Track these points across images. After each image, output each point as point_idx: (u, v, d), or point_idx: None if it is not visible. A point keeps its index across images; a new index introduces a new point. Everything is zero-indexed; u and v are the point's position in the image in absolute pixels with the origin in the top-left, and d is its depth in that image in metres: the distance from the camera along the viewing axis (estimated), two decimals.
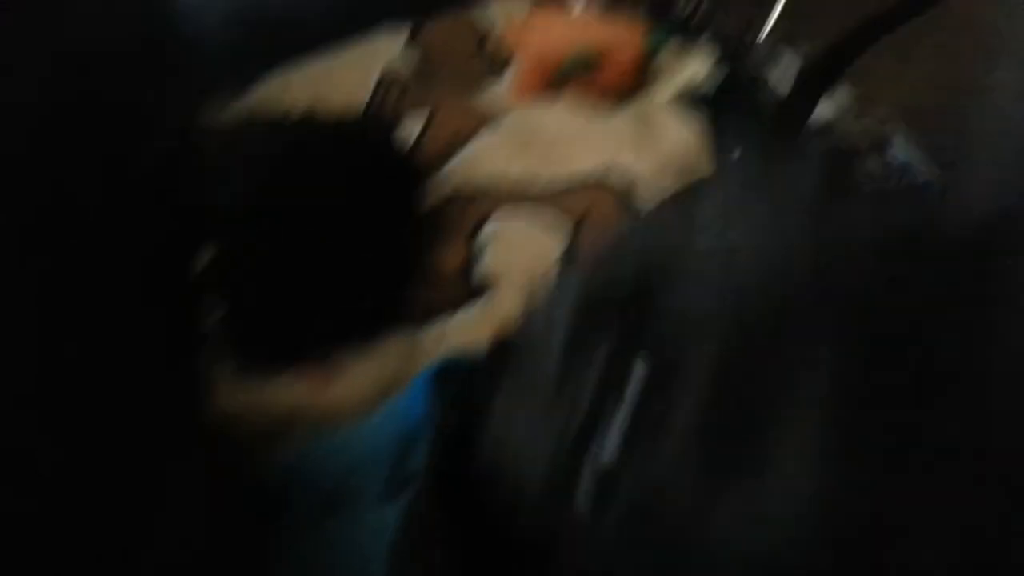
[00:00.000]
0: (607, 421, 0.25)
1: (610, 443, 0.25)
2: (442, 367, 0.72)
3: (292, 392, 0.76)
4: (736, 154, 0.92)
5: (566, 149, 0.97)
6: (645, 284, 0.25)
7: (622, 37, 1.01)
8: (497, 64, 1.14)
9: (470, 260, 0.86)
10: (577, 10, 1.16)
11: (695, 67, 1.05)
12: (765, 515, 0.22)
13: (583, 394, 0.26)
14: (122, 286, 0.56)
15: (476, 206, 0.91)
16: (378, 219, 0.82)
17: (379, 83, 1.11)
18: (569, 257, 0.85)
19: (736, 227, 0.26)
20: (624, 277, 0.27)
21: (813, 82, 0.92)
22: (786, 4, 1.16)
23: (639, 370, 0.25)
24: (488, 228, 0.88)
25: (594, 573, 0.26)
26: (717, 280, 0.25)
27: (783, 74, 1.05)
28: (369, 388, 0.76)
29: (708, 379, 0.24)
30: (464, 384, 0.32)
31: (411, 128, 1.04)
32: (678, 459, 0.24)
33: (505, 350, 0.31)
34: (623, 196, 0.90)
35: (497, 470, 0.29)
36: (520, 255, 0.85)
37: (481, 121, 1.02)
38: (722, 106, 1.01)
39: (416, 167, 0.90)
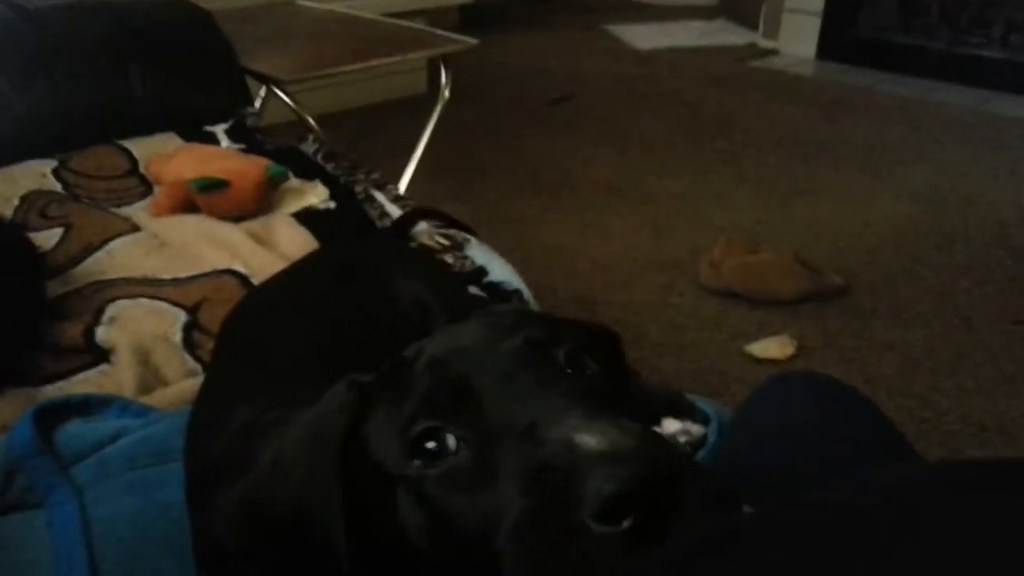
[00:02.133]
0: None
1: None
2: (40, 407, 0.82)
3: None
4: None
5: (195, 250, 1.14)
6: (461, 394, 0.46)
7: (247, 167, 1.23)
8: (145, 186, 1.31)
9: (89, 335, 0.96)
10: (220, 147, 1.38)
11: (313, 196, 1.29)
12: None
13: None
14: None
15: (104, 293, 1.03)
16: None
17: (23, 199, 1.22)
18: (190, 328, 1.00)
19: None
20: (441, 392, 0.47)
21: (408, 220, 1.22)
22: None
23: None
24: (111, 310, 1.00)
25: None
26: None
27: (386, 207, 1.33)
28: None
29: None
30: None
31: (50, 235, 1.15)
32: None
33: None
34: (242, 284, 1.08)
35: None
36: (135, 330, 0.97)
37: (118, 230, 1.17)
38: (336, 222, 1.24)
39: (40, 261, 1.01)
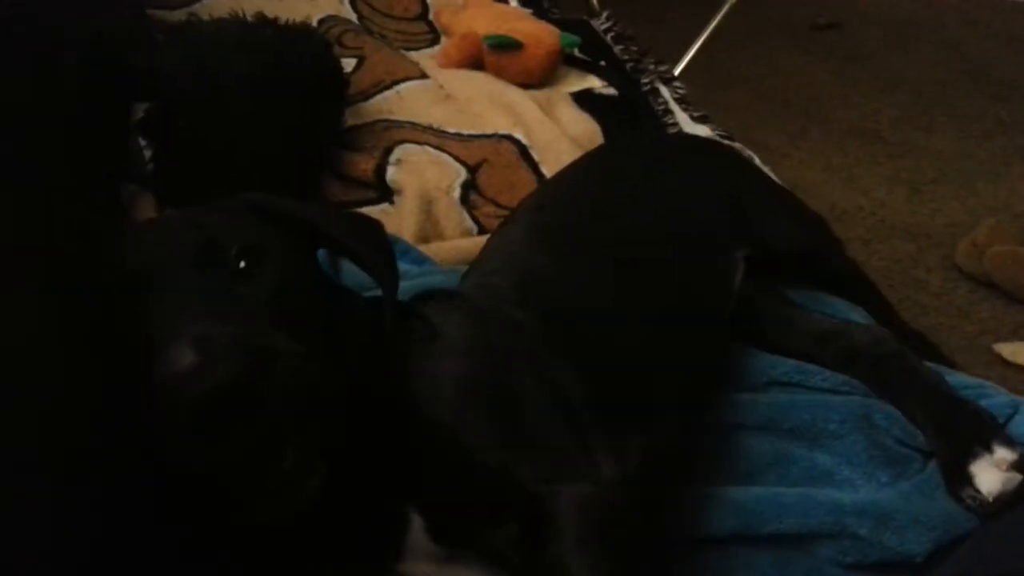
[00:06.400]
0: None
1: None
2: None
3: None
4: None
5: (478, 109, 1.12)
6: None
7: (541, 33, 1.18)
8: (433, 34, 1.29)
9: (380, 171, 0.97)
10: (512, 6, 1.34)
11: (594, 78, 1.23)
12: None
13: None
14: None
15: (393, 132, 1.03)
16: (302, 113, 0.92)
17: (322, 21, 1.23)
18: (468, 187, 0.99)
19: None
20: None
21: None
22: None
23: None
24: (398, 151, 1.00)
25: None
26: None
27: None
28: None
29: None
30: None
31: (345, 64, 1.15)
32: None
33: None
34: (521, 154, 1.05)
35: None
36: (421, 176, 0.97)
37: (408, 73, 1.16)
38: (618, 111, 1.19)
39: (344, 83, 1.01)
